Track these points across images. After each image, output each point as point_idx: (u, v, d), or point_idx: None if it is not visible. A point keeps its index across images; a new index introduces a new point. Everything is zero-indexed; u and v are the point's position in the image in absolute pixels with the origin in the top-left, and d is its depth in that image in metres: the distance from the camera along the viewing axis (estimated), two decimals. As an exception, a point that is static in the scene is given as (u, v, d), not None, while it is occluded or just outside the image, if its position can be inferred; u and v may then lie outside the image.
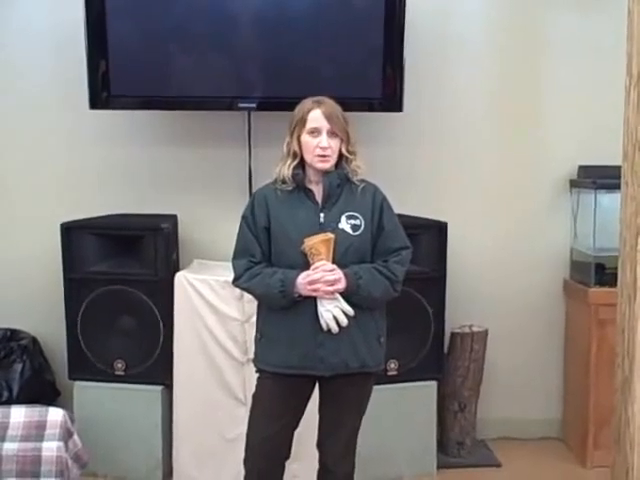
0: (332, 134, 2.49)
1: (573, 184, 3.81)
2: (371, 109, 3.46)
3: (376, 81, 3.42)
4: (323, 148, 2.48)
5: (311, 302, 2.47)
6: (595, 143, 3.68)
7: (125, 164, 3.74)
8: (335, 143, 2.49)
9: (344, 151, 2.52)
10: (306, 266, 2.45)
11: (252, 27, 3.41)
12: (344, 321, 2.46)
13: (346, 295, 2.46)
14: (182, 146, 3.72)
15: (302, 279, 2.44)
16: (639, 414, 2.57)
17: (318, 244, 2.43)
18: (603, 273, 3.60)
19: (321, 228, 2.48)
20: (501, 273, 3.86)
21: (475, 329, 3.66)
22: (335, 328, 2.46)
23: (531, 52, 3.80)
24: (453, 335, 3.67)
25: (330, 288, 2.43)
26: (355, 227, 2.50)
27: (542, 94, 3.81)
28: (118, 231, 3.44)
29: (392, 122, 3.60)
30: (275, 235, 2.53)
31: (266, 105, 3.43)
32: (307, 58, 3.44)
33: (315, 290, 2.43)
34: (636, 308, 2.54)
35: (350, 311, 2.46)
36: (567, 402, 3.92)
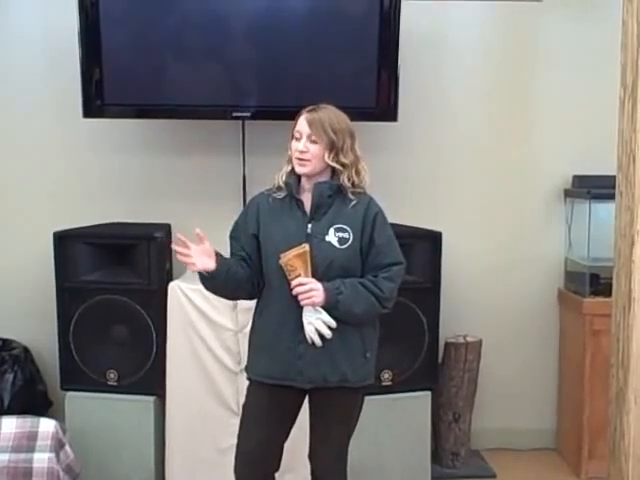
0: (312, 140, 2.47)
1: (567, 194, 3.82)
2: (366, 118, 3.44)
3: (371, 91, 3.42)
4: (300, 152, 2.46)
5: (295, 313, 2.45)
6: (589, 153, 3.69)
7: (119, 173, 3.73)
8: (315, 149, 2.46)
9: (328, 160, 2.47)
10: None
11: (247, 36, 3.41)
12: (328, 334, 2.43)
13: (326, 309, 2.44)
14: (176, 155, 3.71)
15: None
16: (634, 425, 2.57)
17: (292, 259, 2.40)
18: (598, 283, 3.60)
19: (307, 239, 2.45)
20: (495, 283, 3.86)
21: (469, 339, 3.66)
22: (318, 341, 2.44)
23: (526, 62, 3.81)
24: (447, 345, 3.66)
25: (307, 301, 2.41)
26: (342, 240, 2.47)
27: (536, 104, 3.82)
28: (111, 240, 3.42)
29: (386, 132, 3.60)
30: (263, 244, 2.53)
31: (260, 114, 3.43)
32: (302, 67, 3.43)
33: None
34: (631, 319, 2.54)
35: (333, 323, 2.44)
36: (561, 412, 3.92)
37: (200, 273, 2.49)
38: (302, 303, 2.42)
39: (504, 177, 3.84)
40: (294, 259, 2.40)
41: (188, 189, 3.73)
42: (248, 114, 3.44)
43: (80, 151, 3.72)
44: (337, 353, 2.47)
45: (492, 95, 3.82)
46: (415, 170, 3.78)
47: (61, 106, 3.61)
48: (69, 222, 3.44)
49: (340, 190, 2.51)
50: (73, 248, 3.35)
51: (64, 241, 3.34)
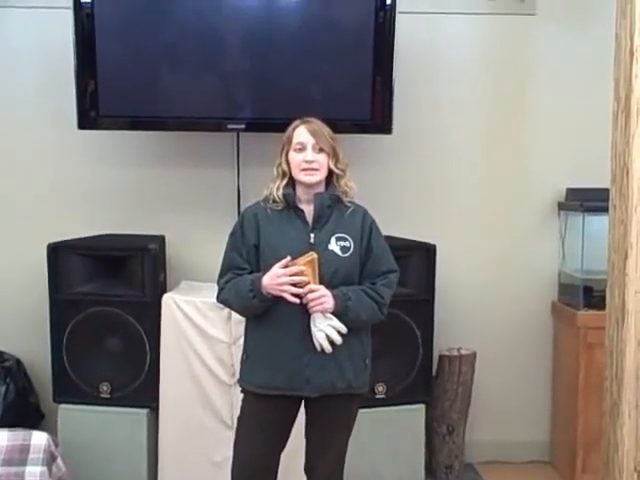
0: (318, 149, 2.49)
1: (561, 207, 3.82)
2: (360, 131, 3.46)
3: (365, 103, 3.43)
4: (308, 162, 2.48)
5: (299, 321, 2.45)
6: (583, 166, 3.69)
7: (113, 184, 3.72)
8: (322, 158, 2.49)
9: (333, 167, 2.52)
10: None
11: (241, 48, 3.41)
12: (338, 340, 2.44)
13: (336, 316, 2.44)
14: (170, 167, 3.71)
15: (268, 278, 2.42)
16: (627, 438, 2.56)
17: (302, 266, 2.42)
18: (591, 296, 3.60)
19: (311, 248, 2.47)
20: (489, 296, 3.85)
21: (463, 352, 3.65)
22: (328, 348, 2.44)
23: (520, 75, 3.82)
24: (441, 358, 3.65)
25: (319, 307, 2.42)
26: (344, 249, 2.50)
27: (530, 117, 3.83)
28: (105, 252, 3.41)
29: (381, 144, 3.61)
30: (264, 253, 2.52)
31: (255, 126, 3.43)
32: (296, 80, 3.44)
33: (281, 288, 2.40)
34: (624, 332, 2.54)
35: (343, 329, 2.44)
36: (555, 425, 3.91)
37: (263, 297, 2.45)
38: (313, 310, 2.43)
39: (498, 190, 3.84)
40: (304, 266, 2.41)
41: (182, 201, 3.72)
42: (243, 126, 3.44)
43: (75, 163, 3.71)
44: (343, 359, 2.49)
45: (486, 108, 3.83)
46: (409, 183, 3.79)
47: (56, 118, 3.60)
48: (63, 233, 3.43)
49: (338, 200, 2.55)
50: (67, 260, 3.34)
51: (58, 252, 3.33)
